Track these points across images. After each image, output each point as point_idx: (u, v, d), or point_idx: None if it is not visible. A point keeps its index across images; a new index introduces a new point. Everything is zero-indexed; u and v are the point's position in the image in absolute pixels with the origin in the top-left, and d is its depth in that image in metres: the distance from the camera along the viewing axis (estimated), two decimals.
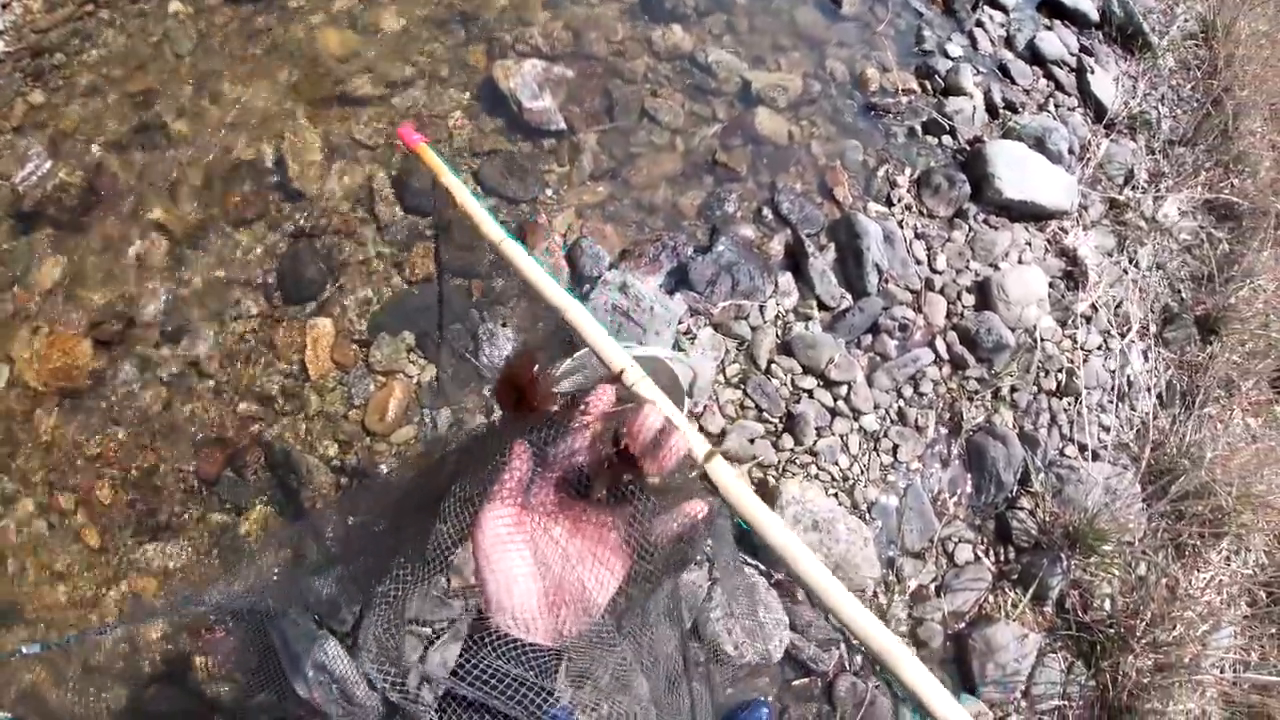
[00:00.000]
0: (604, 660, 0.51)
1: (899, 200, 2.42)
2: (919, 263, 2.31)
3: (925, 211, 2.44)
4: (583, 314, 0.65)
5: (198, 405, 2.10)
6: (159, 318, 2.22)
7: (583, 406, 0.53)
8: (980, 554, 2.10)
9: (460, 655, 0.46)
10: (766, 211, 2.25)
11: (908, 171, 2.50)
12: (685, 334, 1.98)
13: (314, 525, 1.98)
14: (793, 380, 2.00)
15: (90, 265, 2.25)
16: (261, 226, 2.31)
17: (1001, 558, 2.12)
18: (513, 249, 0.76)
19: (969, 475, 2.13)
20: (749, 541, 1.87)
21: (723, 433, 1.91)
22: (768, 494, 1.86)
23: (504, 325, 2.04)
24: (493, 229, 0.80)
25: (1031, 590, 2.04)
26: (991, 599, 2.09)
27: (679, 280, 2.06)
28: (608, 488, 0.49)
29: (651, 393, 0.55)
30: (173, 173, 2.38)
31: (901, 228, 2.34)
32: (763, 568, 1.83)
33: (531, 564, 0.49)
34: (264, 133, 2.42)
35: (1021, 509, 2.16)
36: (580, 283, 2.07)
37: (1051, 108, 2.93)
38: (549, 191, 2.27)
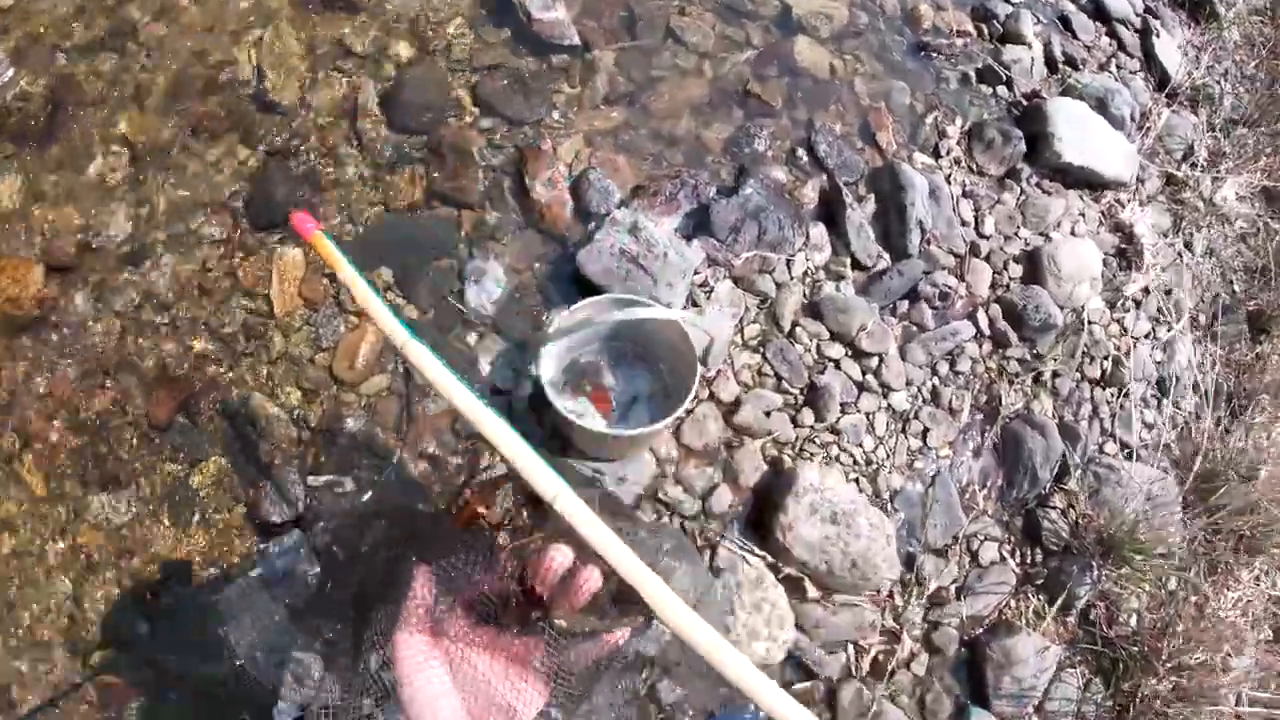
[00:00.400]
0: None
1: (947, 153, 2.09)
2: (965, 224, 2.00)
3: (975, 168, 2.11)
4: (504, 431, 0.56)
5: (152, 341, 1.81)
6: (117, 242, 1.91)
7: (493, 539, 0.51)
8: (1006, 554, 1.83)
9: None
10: (801, 153, 1.92)
11: (958, 122, 2.16)
12: (701, 286, 1.68)
13: (275, 485, 1.68)
14: (818, 347, 1.70)
15: (48, 184, 1.94)
16: (233, 141, 1.98)
17: (1028, 560, 1.87)
18: (418, 352, 0.66)
19: (1001, 467, 1.85)
20: (757, 529, 1.54)
21: (736, 402, 1.62)
22: (782, 476, 1.58)
23: (495, 260, 1.73)
24: (395, 330, 0.71)
25: (1060, 601, 1.79)
26: (1013, 604, 1.83)
27: (698, 225, 1.74)
28: (516, 623, 0.48)
29: (586, 523, 0.49)
30: (142, 82, 2.05)
31: (949, 183, 2.02)
32: (769, 559, 1.56)
33: (450, 686, 0.47)
34: (244, 37, 2.07)
35: (1054, 508, 1.90)
36: (585, 220, 1.75)
37: (1113, 69, 2.58)
38: (556, 114, 1.93)
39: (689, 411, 1.59)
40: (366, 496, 1.63)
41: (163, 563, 1.65)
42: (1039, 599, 1.86)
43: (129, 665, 1.57)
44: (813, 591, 1.58)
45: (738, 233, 1.71)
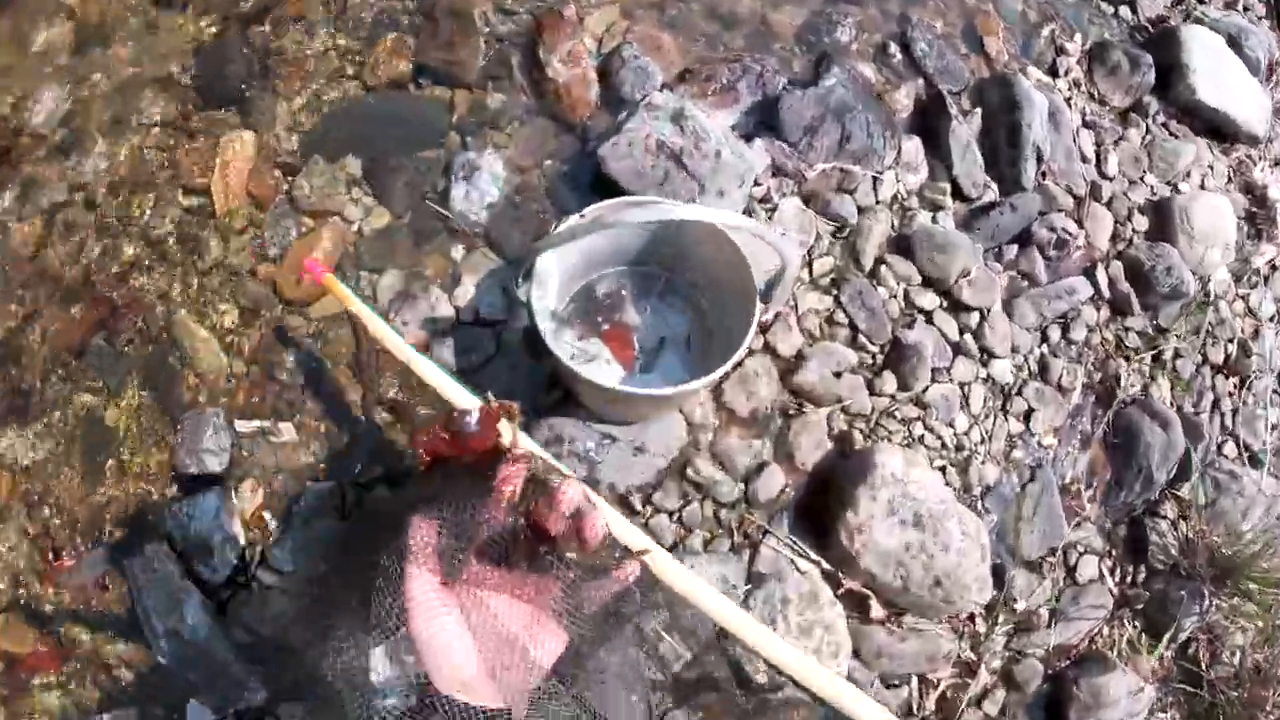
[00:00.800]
0: (556, 714, 0.43)
1: (1066, 73, 1.58)
2: (1085, 161, 1.50)
3: (1096, 95, 1.61)
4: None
5: (76, 246, 1.35)
6: (53, 126, 1.44)
7: (494, 481, 0.44)
8: (1105, 571, 1.39)
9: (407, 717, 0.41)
10: (893, 49, 1.42)
11: (1077, 39, 1.65)
12: (762, 201, 1.20)
13: (193, 429, 1.22)
14: (906, 294, 1.23)
15: None
16: (191, 6, 1.48)
17: (1128, 579, 1.42)
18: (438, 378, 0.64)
19: (1111, 463, 1.39)
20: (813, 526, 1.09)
21: (798, 357, 1.15)
22: (853, 459, 1.12)
23: (494, 154, 1.25)
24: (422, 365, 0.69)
25: (1167, 634, 1.34)
26: (1106, 632, 1.39)
27: (762, 121, 1.25)
28: (526, 561, 0.44)
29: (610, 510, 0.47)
30: None
31: (1069, 108, 1.51)
32: (826, 566, 1.12)
33: (464, 630, 0.42)
34: None
35: (1163, 517, 1.44)
36: (614, 108, 1.26)
37: (1240, 8, 2.05)
38: None
39: (737, 364, 1.13)
40: (310, 451, 1.18)
41: (69, 515, 1.21)
42: (1134, 626, 1.42)
43: (34, 633, 1.16)
44: (877, 610, 1.14)
45: (814, 135, 1.22)
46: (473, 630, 0.42)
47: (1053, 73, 1.57)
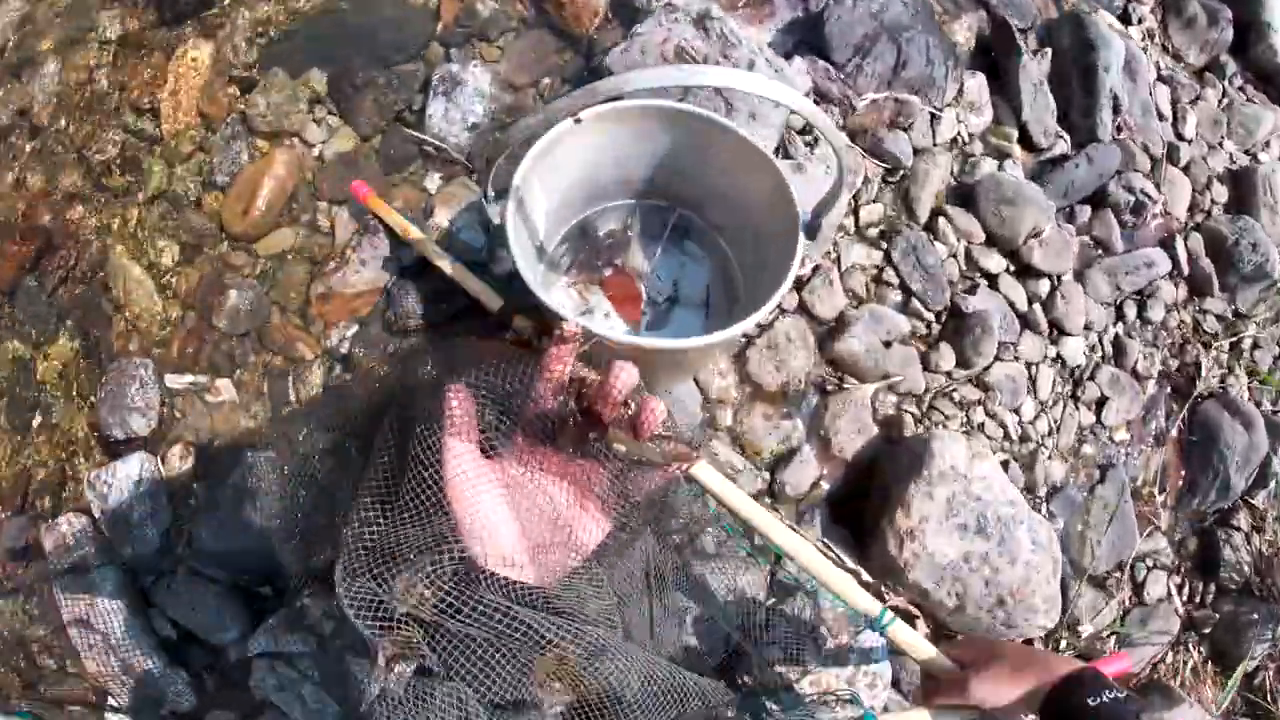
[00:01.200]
0: (582, 592, 0.40)
1: (1139, 21, 1.31)
2: (1162, 118, 1.23)
3: (1170, 49, 1.34)
4: None
5: (17, 174, 1.09)
6: (6, 44, 1.18)
7: (543, 360, 0.38)
8: (1174, 589, 1.13)
9: (442, 590, 0.36)
10: None
11: None
12: (801, 132, 0.93)
13: (118, 384, 0.95)
14: (968, 252, 0.97)
15: None
16: None
17: (1197, 598, 1.16)
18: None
19: (1185, 465, 1.13)
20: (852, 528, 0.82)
21: (840, 321, 0.89)
22: (903, 446, 0.86)
23: (481, 68, 0.98)
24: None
25: (1241, 667, 1.09)
26: (1170, 658, 1.13)
27: (803, 38, 0.98)
28: (574, 445, 0.38)
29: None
30: None
31: (1146, 57, 1.25)
32: (867, 578, 0.86)
33: (506, 505, 0.38)
34: None
35: (1236, 529, 1.18)
36: (627, 19, 0.99)
37: None
38: None
39: (762, 326, 0.87)
40: (251, 414, 0.92)
41: None
42: (1200, 653, 1.16)
43: None
44: (922, 629, 0.89)
45: (864, 56, 0.95)
46: (515, 510, 0.38)
47: (1125, 19, 1.30)
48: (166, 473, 0.93)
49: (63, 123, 1.12)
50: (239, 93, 1.05)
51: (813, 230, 0.70)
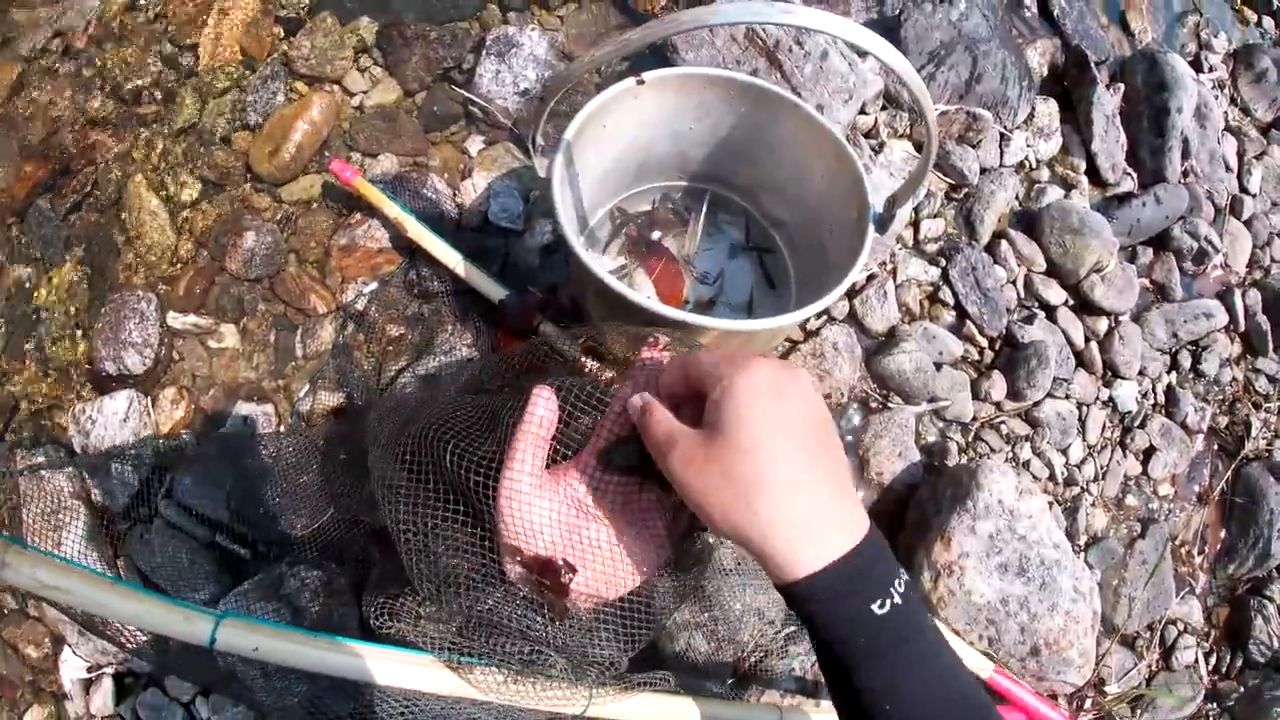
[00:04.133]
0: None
1: (1210, 70, 1.24)
2: (1228, 169, 1.15)
3: (1239, 102, 1.26)
4: None
5: (49, 96, 1.02)
6: None
7: (639, 364, 0.35)
8: (1201, 655, 1.03)
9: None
10: (1029, 1, 1.07)
11: (1223, 37, 1.30)
12: (867, 135, 0.85)
13: (116, 315, 0.87)
14: (1028, 280, 0.88)
15: None
16: None
17: (1223, 668, 1.06)
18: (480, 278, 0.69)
19: (1225, 527, 1.04)
20: None
21: (891, 336, 0.80)
22: (947, 476, 0.77)
23: (539, 33, 0.91)
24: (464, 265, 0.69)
25: None
26: None
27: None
28: (656, 482, 0.34)
29: None
30: None
31: (1216, 104, 1.17)
32: None
33: (556, 518, 0.33)
34: None
35: (1269, 599, 1.08)
36: (695, 0, 0.92)
37: None
38: None
39: (808, 333, 0.78)
40: (253, 364, 0.84)
41: None
42: None
43: None
44: None
45: (939, 65, 0.87)
46: (565, 530, 0.34)
47: (1196, 67, 1.22)
48: (156, 416, 0.84)
49: (99, 47, 1.05)
50: (283, 33, 0.97)
51: (885, 223, 0.62)
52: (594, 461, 0.35)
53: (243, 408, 0.81)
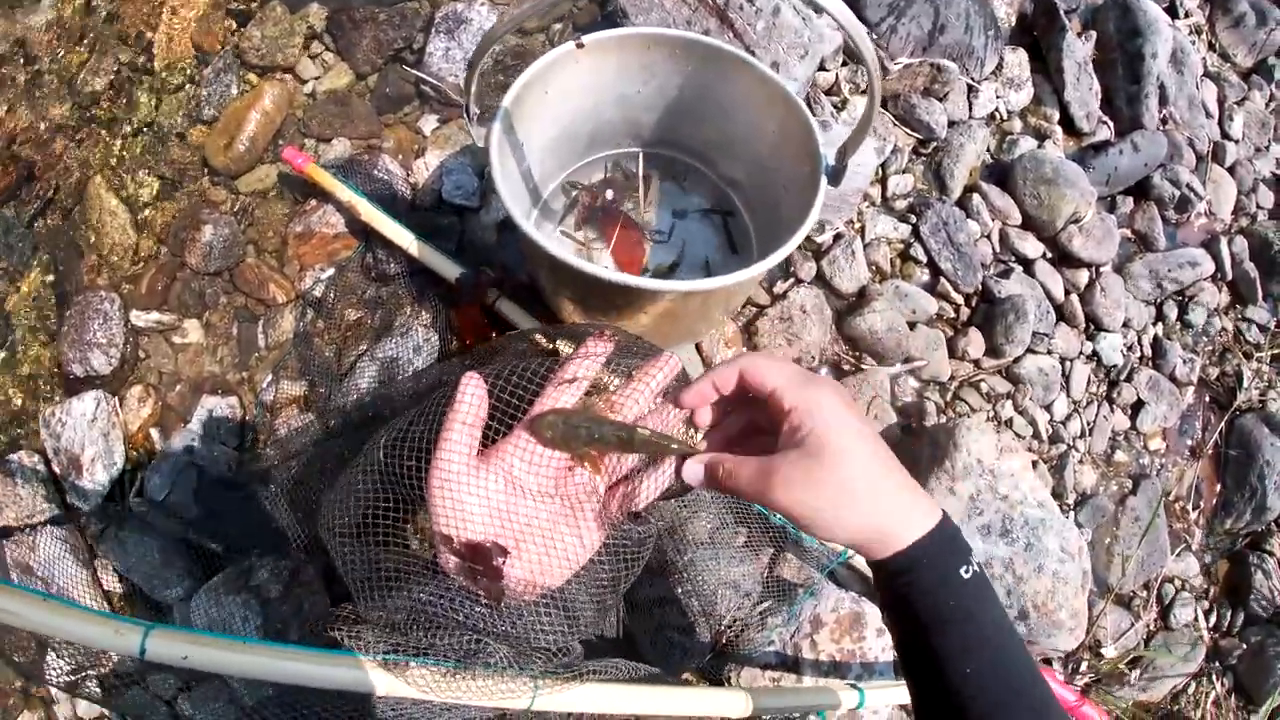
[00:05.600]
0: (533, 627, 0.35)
1: (1186, 15, 1.18)
2: (1209, 115, 1.10)
3: (1218, 47, 1.21)
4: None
5: (8, 103, 1.00)
6: None
7: (565, 362, 0.36)
8: (1201, 613, 0.99)
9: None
10: None
11: None
12: (828, 92, 0.81)
13: (81, 317, 0.84)
14: (1003, 234, 0.84)
15: None
16: None
17: (1224, 625, 1.02)
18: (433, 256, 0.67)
19: (1220, 481, 1.00)
20: None
21: (861, 296, 0.77)
22: (925, 436, 0.74)
23: (488, 7, 0.87)
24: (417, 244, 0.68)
25: (1270, 703, 0.95)
26: (1192, 688, 1.00)
27: None
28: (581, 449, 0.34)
29: None
30: None
31: (1194, 50, 1.12)
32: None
33: (490, 501, 0.33)
34: None
35: (1269, 553, 1.04)
36: None
37: None
38: None
39: (775, 296, 0.74)
40: (217, 358, 0.81)
41: None
42: (1223, 684, 1.02)
43: None
44: None
45: (899, 17, 0.83)
46: (504, 508, 0.33)
47: (1171, 12, 1.17)
48: (124, 415, 0.82)
49: (58, 53, 1.03)
50: (235, 26, 0.95)
51: (837, 174, 0.58)
52: (526, 433, 0.34)
53: (208, 401, 0.79)
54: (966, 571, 0.30)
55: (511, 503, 0.33)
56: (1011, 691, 0.30)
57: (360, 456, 0.42)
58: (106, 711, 0.78)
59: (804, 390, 0.30)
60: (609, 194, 0.72)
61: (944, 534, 0.31)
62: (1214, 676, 1.02)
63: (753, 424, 0.34)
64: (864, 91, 0.83)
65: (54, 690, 0.79)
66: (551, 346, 0.62)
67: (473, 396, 0.33)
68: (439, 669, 0.36)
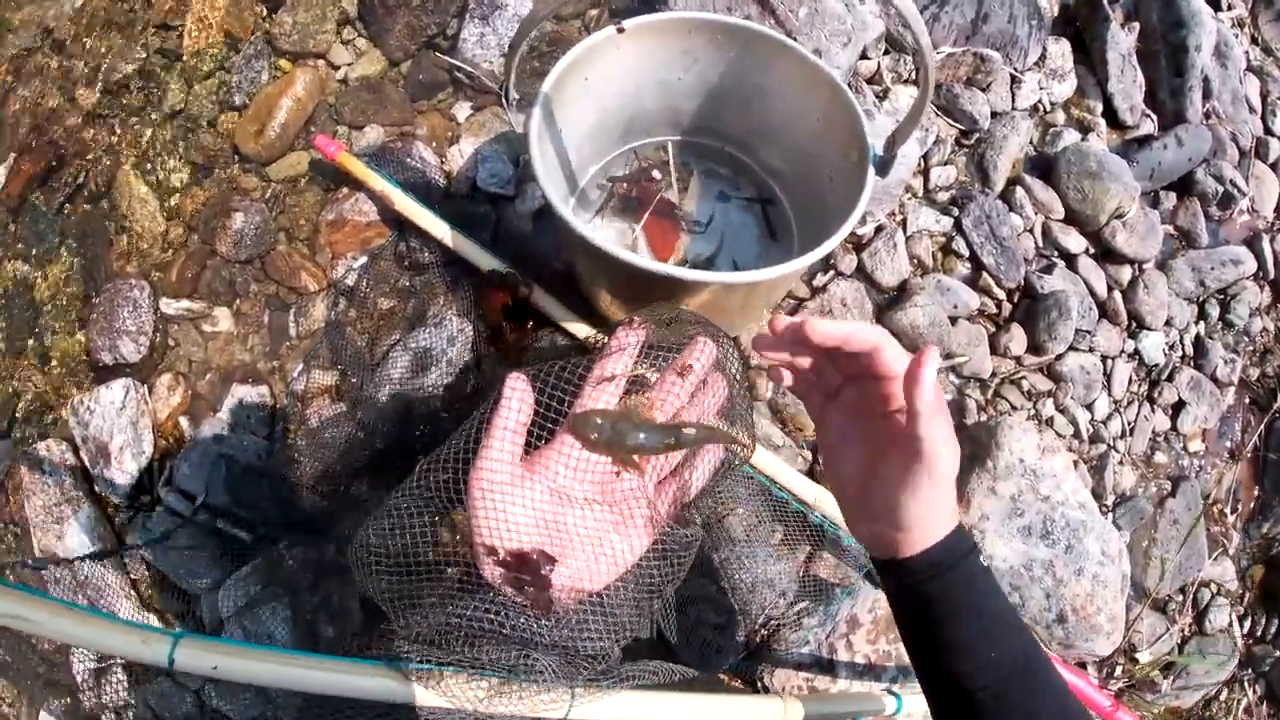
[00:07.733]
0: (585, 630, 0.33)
1: (1229, 8, 1.14)
2: (1252, 111, 1.06)
3: (1261, 42, 1.16)
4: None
5: (36, 93, 0.98)
6: None
7: (601, 357, 0.34)
8: (1235, 619, 0.96)
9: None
10: None
11: None
12: (870, 81, 0.78)
13: (110, 304, 0.82)
14: (1045, 228, 0.81)
15: None
16: None
17: (1258, 632, 0.99)
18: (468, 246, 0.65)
19: (1258, 484, 0.96)
20: None
21: (902, 289, 0.74)
22: (965, 433, 0.71)
23: None
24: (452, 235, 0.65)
25: None
26: (1224, 695, 0.96)
27: None
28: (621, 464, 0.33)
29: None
30: None
31: (1237, 43, 1.07)
32: None
33: (534, 509, 0.31)
34: None
35: None
36: None
37: None
38: None
39: (815, 289, 0.72)
40: (248, 347, 0.79)
41: None
42: (1254, 691, 0.99)
43: None
44: None
45: (942, 5, 0.80)
46: (550, 517, 0.32)
47: (1214, 4, 1.12)
48: (153, 403, 0.80)
49: (86, 41, 1.01)
50: (266, 11, 0.92)
51: (885, 165, 0.55)
52: (570, 438, 0.32)
53: (239, 390, 0.77)
54: (984, 560, 0.33)
55: (557, 512, 0.32)
56: (1031, 673, 0.32)
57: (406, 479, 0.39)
58: (132, 700, 0.77)
59: (935, 400, 0.31)
60: (654, 173, 0.69)
61: (961, 532, 0.33)
62: (1246, 683, 0.98)
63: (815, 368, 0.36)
64: (907, 81, 0.79)
65: (78, 678, 0.78)
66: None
67: (517, 399, 0.32)
68: (481, 680, 0.34)
